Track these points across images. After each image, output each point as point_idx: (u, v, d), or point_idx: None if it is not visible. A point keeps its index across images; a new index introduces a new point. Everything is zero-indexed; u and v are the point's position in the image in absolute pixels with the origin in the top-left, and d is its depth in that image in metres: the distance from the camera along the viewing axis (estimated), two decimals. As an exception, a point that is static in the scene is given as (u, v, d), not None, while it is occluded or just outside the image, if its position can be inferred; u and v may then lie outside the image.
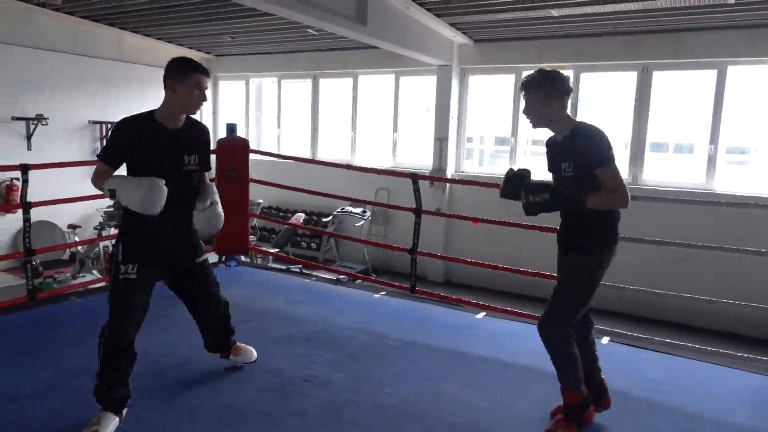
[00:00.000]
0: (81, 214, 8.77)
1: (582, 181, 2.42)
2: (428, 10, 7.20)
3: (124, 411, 2.54)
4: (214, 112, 11.75)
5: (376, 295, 4.73)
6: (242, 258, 5.81)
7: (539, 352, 2.71)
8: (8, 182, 8.36)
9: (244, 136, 6.75)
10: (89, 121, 9.40)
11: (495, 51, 8.66)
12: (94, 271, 7.83)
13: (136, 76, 10.00)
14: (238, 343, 3.17)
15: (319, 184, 6.60)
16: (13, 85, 8.29)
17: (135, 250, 2.55)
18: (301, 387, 3.03)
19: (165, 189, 2.42)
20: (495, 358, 3.52)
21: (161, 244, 2.62)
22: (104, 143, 2.64)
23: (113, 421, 2.46)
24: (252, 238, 7.16)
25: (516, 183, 2.59)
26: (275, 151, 10.31)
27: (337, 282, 5.39)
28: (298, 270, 6.65)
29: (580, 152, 2.41)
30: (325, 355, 3.43)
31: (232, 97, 11.71)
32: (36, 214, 8.27)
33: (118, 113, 9.49)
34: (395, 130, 9.78)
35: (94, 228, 8.37)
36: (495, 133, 9.54)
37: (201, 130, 2.76)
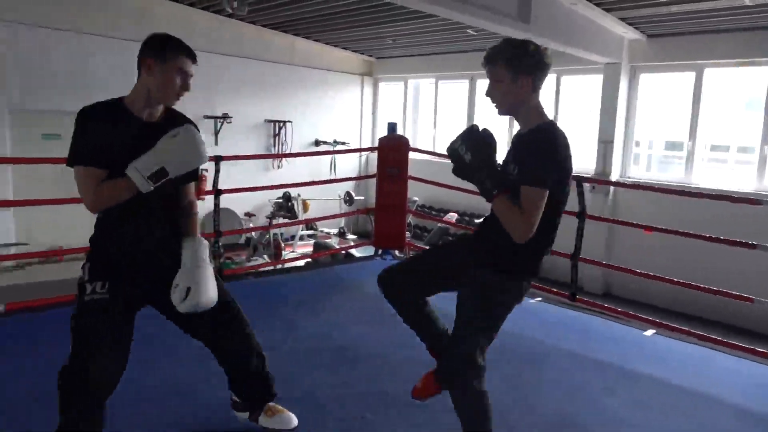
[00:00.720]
0: (255, 204, 9.70)
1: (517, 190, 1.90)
2: (597, 5, 6.84)
3: None
4: (374, 113, 12.27)
5: (532, 300, 4.62)
6: (396, 253, 6.02)
7: (721, 381, 2.47)
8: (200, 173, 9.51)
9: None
10: (264, 120, 10.37)
11: (671, 46, 7.96)
12: (265, 256, 8.63)
13: (306, 79, 10.81)
14: (271, 404, 2.39)
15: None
16: (207, 87, 9.41)
17: (105, 266, 1.97)
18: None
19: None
20: (664, 380, 3.26)
21: (140, 264, 2.03)
22: (71, 148, 1.87)
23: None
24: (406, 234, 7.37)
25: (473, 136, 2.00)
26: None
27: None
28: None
29: (522, 158, 1.94)
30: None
31: (391, 98, 12.14)
32: (222, 201, 9.47)
33: (289, 113, 10.37)
34: (554, 131, 9.42)
35: (266, 216, 9.21)
36: (666, 137, 8.77)
37: (182, 124, 2.04)
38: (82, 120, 1.90)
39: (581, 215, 4.26)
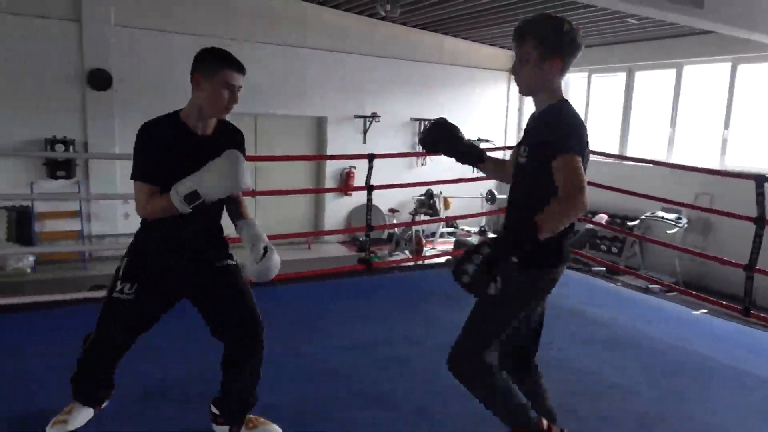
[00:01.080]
0: (399, 200, 9.96)
1: (535, 173, 1.81)
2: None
3: (104, 404, 2.35)
4: (520, 110, 11.97)
5: (696, 312, 4.22)
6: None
7: None
8: (347, 169, 10.01)
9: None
10: (411, 118, 10.60)
11: None
12: (406, 251, 8.83)
13: (452, 77, 10.85)
14: (251, 416, 2.32)
15: (627, 186, 6.15)
16: (358, 88, 9.87)
17: (139, 269, 2.11)
18: (607, 392, 2.92)
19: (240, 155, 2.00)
20: None
21: (174, 267, 2.12)
22: (133, 163, 1.97)
23: (85, 413, 2.30)
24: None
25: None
26: (579, 149, 10.02)
27: (647, 290, 4.98)
28: (601, 271, 6.35)
29: (539, 137, 1.83)
30: (632, 364, 3.22)
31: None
32: (363, 197, 9.89)
33: (435, 111, 10.46)
34: (726, 126, 8.47)
35: (409, 213, 9.42)
36: None
37: (231, 135, 2.17)
38: (142, 136, 2.01)
39: (760, 220, 3.79)
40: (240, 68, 2.03)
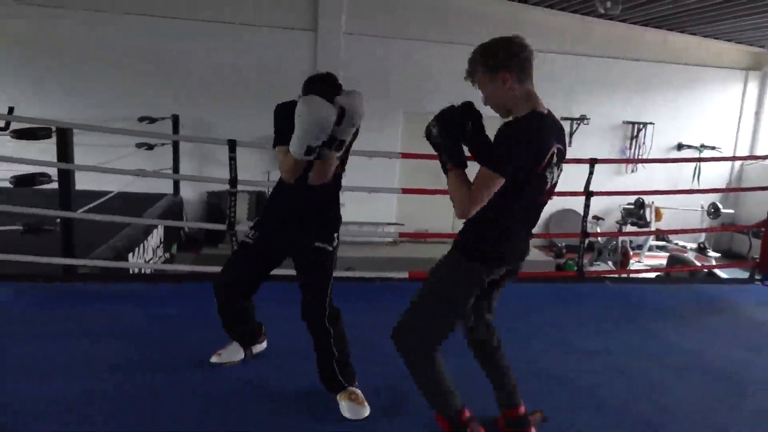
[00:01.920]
0: (604, 207, 9.42)
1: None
2: None
3: (255, 347, 2.78)
4: (757, 114, 10.48)
5: None
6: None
7: None
8: (549, 173, 9.77)
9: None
10: (623, 121, 9.93)
11: None
12: (609, 262, 8.33)
13: (674, 76, 9.91)
14: (351, 388, 2.45)
15: None
16: (567, 89, 9.54)
17: (263, 223, 2.52)
18: None
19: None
20: None
21: (290, 224, 2.44)
22: (274, 135, 2.43)
23: (237, 353, 2.74)
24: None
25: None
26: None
27: None
28: None
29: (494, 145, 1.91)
30: None
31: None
32: (563, 202, 9.55)
33: (651, 113, 9.70)
34: None
35: (616, 222, 8.87)
36: None
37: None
38: (278, 112, 2.42)
39: None
40: None
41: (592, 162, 4.44)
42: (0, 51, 7.97)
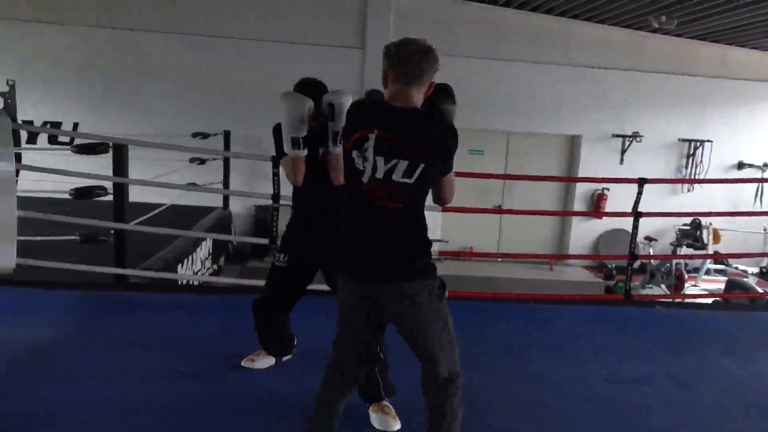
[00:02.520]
0: (656, 227, 9.09)
1: None
2: None
3: (284, 357, 2.86)
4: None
5: None
6: None
7: None
8: (599, 191, 9.51)
9: None
10: (678, 139, 9.58)
11: None
12: (662, 285, 8.00)
13: (735, 92, 9.51)
14: (386, 402, 2.42)
15: None
16: (618, 105, 9.32)
17: (288, 241, 2.60)
18: None
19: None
20: None
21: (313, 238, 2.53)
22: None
23: (268, 361, 2.83)
24: None
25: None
26: None
27: None
28: None
29: None
30: None
31: None
32: (616, 222, 9.26)
33: (709, 131, 9.33)
34: None
35: (670, 244, 8.53)
36: None
37: None
38: (276, 129, 2.54)
39: None
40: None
41: (641, 182, 4.30)
42: (68, 72, 8.44)
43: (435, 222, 9.18)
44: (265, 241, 4.18)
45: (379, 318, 1.95)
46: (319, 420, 2.01)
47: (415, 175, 1.80)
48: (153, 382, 2.66)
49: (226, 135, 8.20)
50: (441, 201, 2.04)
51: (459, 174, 4.50)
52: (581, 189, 9.69)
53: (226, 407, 2.49)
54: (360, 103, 1.95)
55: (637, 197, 4.34)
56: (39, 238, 4.01)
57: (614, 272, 9.10)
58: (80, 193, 3.76)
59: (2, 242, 3.06)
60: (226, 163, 8.23)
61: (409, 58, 1.86)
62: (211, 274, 6.71)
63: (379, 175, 1.79)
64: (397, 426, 2.35)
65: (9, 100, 7.37)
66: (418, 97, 1.88)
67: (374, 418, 2.36)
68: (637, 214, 4.30)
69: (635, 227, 4.36)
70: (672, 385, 3.01)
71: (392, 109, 1.85)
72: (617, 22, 8.78)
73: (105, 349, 2.97)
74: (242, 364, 2.81)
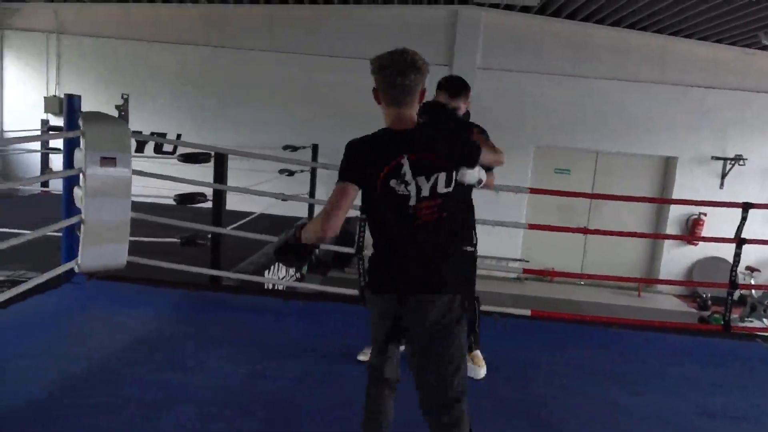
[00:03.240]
0: (761, 258, 8.44)
1: None
2: None
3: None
4: None
5: None
6: None
7: None
8: (695, 216, 8.99)
9: None
10: (788, 163, 8.91)
11: None
12: (764, 320, 7.41)
13: None
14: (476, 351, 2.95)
15: None
16: (719, 126, 8.80)
17: None
18: None
19: None
20: None
21: None
22: None
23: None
24: None
25: None
26: None
27: None
28: None
29: None
30: None
31: None
32: (713, 249, 8.68)
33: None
34: None
35: (774, 275, 7.91)
36: None
37: None
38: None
39: None
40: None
41: (746, 206, 4.03)
42: (174, 87, 9.15)
43: (515, 241, 9.04)
44: (350, 250, 4.30)
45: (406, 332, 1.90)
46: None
47: (453, 183, 1.86)
48: (239, 376, 2.82)
49: (314, 148, 8.51)
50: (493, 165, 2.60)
51: (545, 192, 4.45)
52: (675, 212, 9.19)
53: (306, 401, 2.61)
54: (367, 139, 1.92)
55: (741, 222, 4.07)
56: (145, 239, 4.35)
57: (709, 302, 8.54)
58: (183, 199, 4.06)
59: (117, 241, 3.39)
60: (313, 174, 8.54)
61: (393, 86, 1.86)
62: (294, 281, 6.97)
63: (426, 193, 1.82)
64: (483, 372, 2.90)
65: (122, 112, 8.08)
66: (415, 107, 1.91)
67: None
68: (740, 241, 4.03)
69: (737, 254, 4.09)
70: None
71: (405, 133, 1.87)
72: (720, 39, 8.34)
73: (200, 343, 3.19)
74: (358, 358, 2.97)
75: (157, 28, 9.06)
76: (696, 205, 8.82)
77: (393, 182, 1.80)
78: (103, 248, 3.37)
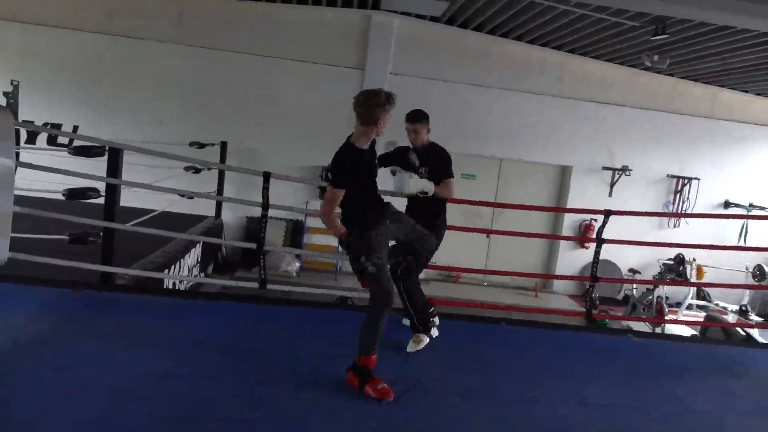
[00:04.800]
0: (642, 261, 9.24)
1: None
2: None
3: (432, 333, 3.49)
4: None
5: None
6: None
7: None
8: (587, 221, 9.68)
9: None
10: (667, 175, 9.79)
11: None
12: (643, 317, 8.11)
13: (722, 133, 9.77)
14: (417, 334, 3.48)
15: None
16: (609, 139, 9.54)
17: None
18: None
19: None
20: None
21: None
22: None
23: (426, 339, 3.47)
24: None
25: None
26: None
27: None
28: None
29: None
30: None
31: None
32: (604, 252, 9.36)
33: (697, 169, 9.52)
34: None
35: (653, 276, 8.67)
36: None
37: None
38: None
39: None
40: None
41: (607, 213, 4.50)
42: (71, 76, 8.62)
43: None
44: (252, 245, 4.28)
45: None
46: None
47: None
48: (134, 380, 2.75)
49: (223, 146, 8.34)
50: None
51: (450, 201, 4.65)
52: (570, 220, 9.86)
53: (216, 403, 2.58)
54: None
55: (600, 227, 4.56)
56: (30, 235, 4.09)
57: (597, 302, 9.20)
58: (73, 194, 3.87)
59: (-5, 235, 3.17)
60: (221, 172, 8.36)
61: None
62: (198, 280, 6.79)
63: None
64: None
65: (11, 100, 7.53)
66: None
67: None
68: (600, 240, 4.51)
69: (597, 253, 4.57)
70: (639, 417, 3.08)
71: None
72: (612, 58, 9.04)
73: (89, 344, 3.06)
74: (408, 350, 3.39)
75: (55, 11, 8.50)
76: (575, 212, 9.52)
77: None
78: (-20, 243, 3.15)
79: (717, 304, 8.95)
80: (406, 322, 3.61)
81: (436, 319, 3.63)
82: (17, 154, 4.92)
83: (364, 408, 2.73)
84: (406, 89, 8.98)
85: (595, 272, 4.67)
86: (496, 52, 9.10)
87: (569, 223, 9.87)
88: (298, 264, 8.86)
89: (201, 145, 8.02)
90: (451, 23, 8.80)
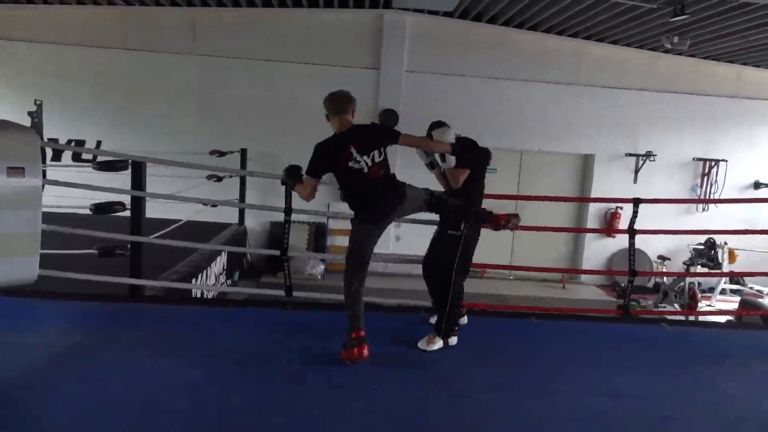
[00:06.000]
0: (671, 247, 9.04)
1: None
2: None
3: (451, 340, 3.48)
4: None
5: None
6: None
7: None
8: (613, 210, 9.52)
9: None
10: (693, 158, 9.58)
11: None
12: (675, 305, 7.95)
13: (750, 112, 9.50)
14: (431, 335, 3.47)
15: None
16: (632, 125, 9.37)
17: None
18: None
19: None
20: None
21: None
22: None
23: (439, 343, 3.45)
24: None
25: None
26: None
27: None
28: None
29: None
30: None
31: None
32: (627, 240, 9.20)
33: (724, 150, 9.31)
34: None
35: (683, 263, 8.49)
36: None
37: None
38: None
39: None
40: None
41: (636, 202, 4.38)
42: (92, 92, 8.79)
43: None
44: (276, 252, 4.29)
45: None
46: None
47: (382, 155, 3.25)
48: (161, 388, 2.78)
49: (243, 153, 8.41)
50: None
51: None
52: (595, 208, 9.70)
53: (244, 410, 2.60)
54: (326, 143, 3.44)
55: (632, 218, 4.43)
56: (59, 251, 4.17)
57: (628, 290, 9.04)
58: (99, 208, 3.93)
59: (27, 254, 3.25)
60: (242, 180, 8.43)
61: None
62: (226, 288, 6.86)
63: (370, 162, 3.20)
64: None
65: (36, 119, 7.68)
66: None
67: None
68: (632, 232, 4.38)
69: (631, 244, 4.43)
70: (675, 404, 3.01)
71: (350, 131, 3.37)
72: (630, 42, 8.87)
73: (119, 354, 3.11)
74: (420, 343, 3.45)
75: (72, 30, 8.67)
76: (600, 201, 9.35)
77: (351, 163, 3.22)
78: (12, 262, 3.23)
79: (751, 288, 8.74)
80: (433, 320, 3.61)
81: (465, 319, 3.70)
82: (44, 172, 5.04)
83: (393, 410, 2.72)
84: (421, 86, 9.01)
85: (633, 266, 4.55)
86: (511, 44, 9.00)
87: (593, 211, 9.72)
88: (322, 266, 8.89)
89: (221, 154, 8.10)
90: (464, 17, 8.73)
